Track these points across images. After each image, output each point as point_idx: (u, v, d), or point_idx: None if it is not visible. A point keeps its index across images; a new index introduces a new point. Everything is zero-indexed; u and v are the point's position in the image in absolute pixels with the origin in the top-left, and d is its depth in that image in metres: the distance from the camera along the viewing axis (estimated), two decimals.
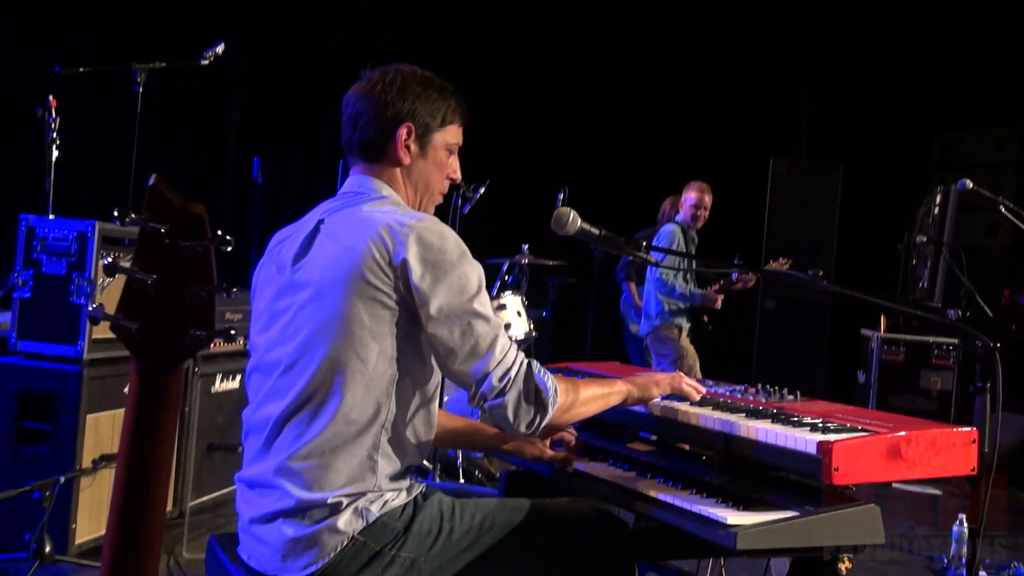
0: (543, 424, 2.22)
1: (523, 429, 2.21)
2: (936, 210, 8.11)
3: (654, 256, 6.96)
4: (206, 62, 5.54)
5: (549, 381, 2.23)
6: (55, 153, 4.66)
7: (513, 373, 2.18)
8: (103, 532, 4.19)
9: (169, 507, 4.69)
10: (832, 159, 9.37)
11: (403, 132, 2.34)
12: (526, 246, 6.88)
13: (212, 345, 4.92)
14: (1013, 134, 9.04)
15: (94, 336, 4.13)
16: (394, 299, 2.16)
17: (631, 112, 9.82)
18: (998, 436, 2.16)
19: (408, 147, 2.35)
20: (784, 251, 8.74)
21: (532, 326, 6.58)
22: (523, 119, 9.64)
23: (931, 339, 8.18)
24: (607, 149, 9.75)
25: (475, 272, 2.22)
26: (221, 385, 4.98)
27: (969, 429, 2.19)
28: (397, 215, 2.22)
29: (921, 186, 8.98)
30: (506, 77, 9.63)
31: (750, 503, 2.12)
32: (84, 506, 4.10)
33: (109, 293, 4.16)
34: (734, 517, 2.03)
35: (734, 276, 7.32)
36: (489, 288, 6.86)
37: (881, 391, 8.09)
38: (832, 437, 2.10)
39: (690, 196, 7.09)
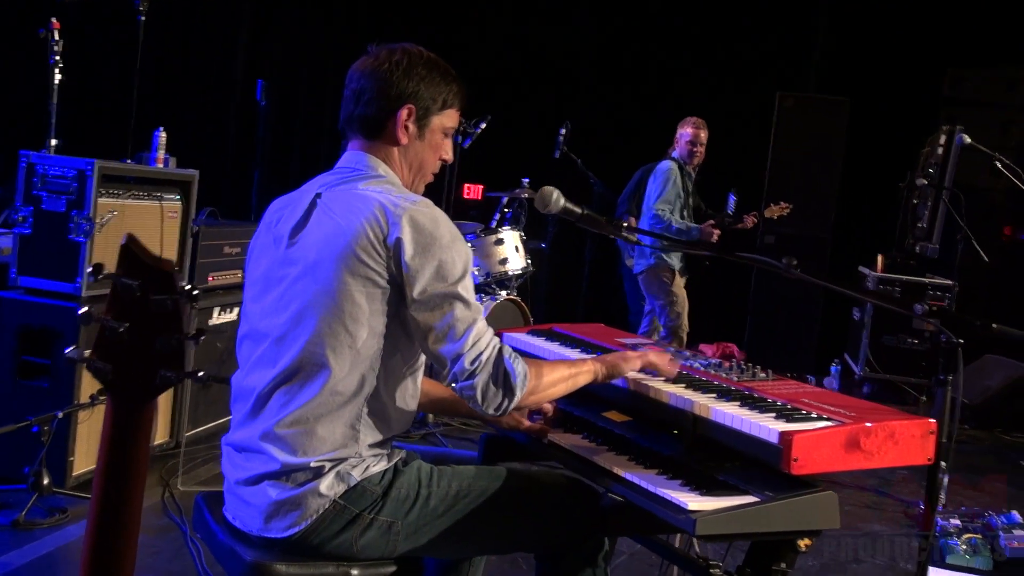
0: (510, 407, 2.31)
1: (491, 411, 2.30)
2: (940, 151, 8.11)
3: (649, 223, 7.00)
4: None
5: (519, 367, 2.31)
6: (58, 76, 4.68)
7: (484, 357, 2.26)
8: None
9: (166, 438, 4.82)
10: (840, 94, 9.31)
11: (404, 113, 2.40)
12: (526, 180, 6.91)
13: (210, 278, 5.02)
14: None
15: None
16: (385, 278, 2.24)
17: (636, 45, 9.72)
18: (956, 428, 2.24)
19: (407, 127, 2.41)
20: (786, 186, 8.79)
21: (529, 260, 6.66)
22: (525, 53, 9.57)
23: (927, 280, 8.24)
24: (611, 82, 9.67)
25: (463, 257, 2.29)
26: (218, 318, 5.07)
27: (928, 420, 2.26)
28: (392, 195, 2.29)
29: (929, 123, 8.95)
30: (509, 10, 9.55)
31: (713, 486, 2.20)
32: (82, 439, 4.22)
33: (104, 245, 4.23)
34: (695, 502, 2.11)
35: (730, 210, 7.37)
36: (488, 222, 6.94)
37: (874, 330, 8.17)
38: (794, 427, 2.17)
39: (685, 132, 7.11)
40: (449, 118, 2.48)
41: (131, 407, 1.32)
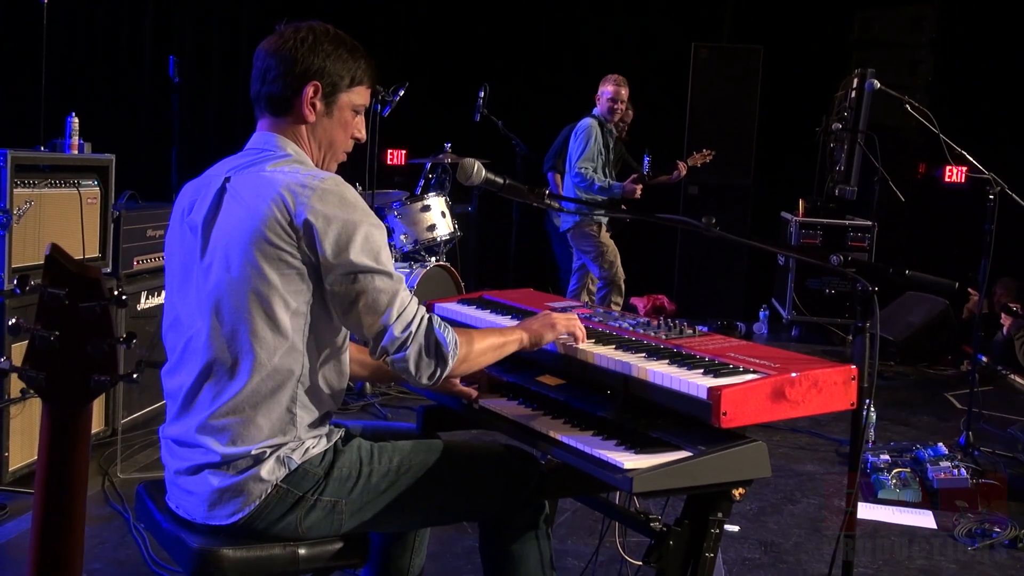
0: (443, 376, 2.34)
1: (424, 381, 2.33)
2: (852, 94, 8.25)
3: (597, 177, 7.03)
4: None
5: (449, 335, 2.34)
6: None
7: (414, 328, 2.28)
8: (35, 458, 4.27)
9: (102, 426, 4.78)
10: (753, 42, 9.41)
11: (310, 90, 2.37)
12: (448, 145, 6.91)
13: (135, 263, 4.96)
14: (929, 11, 9.13)
15: (14, 265, 4.14)
16: (299, 259, 2.23)
17: (550, 3, 9.72)
18: (876, 374, 2.32)
19: (314, 105, 2.38)
20: (707, 136, 8.89)
21: (456, 225, 6.68)
22: (441, 16, 9.51)
23: (847, 222, 8.41)
24: (527, 42, 9.66)
25: (375, 229, 2.29)
26: (146, 302, 5.02)
27: (850, 367, 2.34)
28: (299, 175, 2.27)
29: (841, 67, 9.10)
30: None
31: (647, 444, 2.26)
32: (15, 434, 4.17)
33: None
34: (630, 461, 2.16)
35: (646, 170, 7.44)
36: (413, 188, 6.93)
37: (799, 274, 8.34)
38: (722, 382, 2.23)
39: (606, 90, 7.16)
40: (359, 95, 2.45)
41: (67, 413, 1.33)
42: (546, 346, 2.65)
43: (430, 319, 2.33)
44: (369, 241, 2.25)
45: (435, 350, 2.31)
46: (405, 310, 2.29)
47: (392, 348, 2.28)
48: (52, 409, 1.33)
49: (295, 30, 2.39)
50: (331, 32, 2.42)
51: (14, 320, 1.30)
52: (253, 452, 2.25)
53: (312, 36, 2.38)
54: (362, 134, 2.51)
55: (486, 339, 2.49)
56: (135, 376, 1.38)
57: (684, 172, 7.55)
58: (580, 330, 2.64)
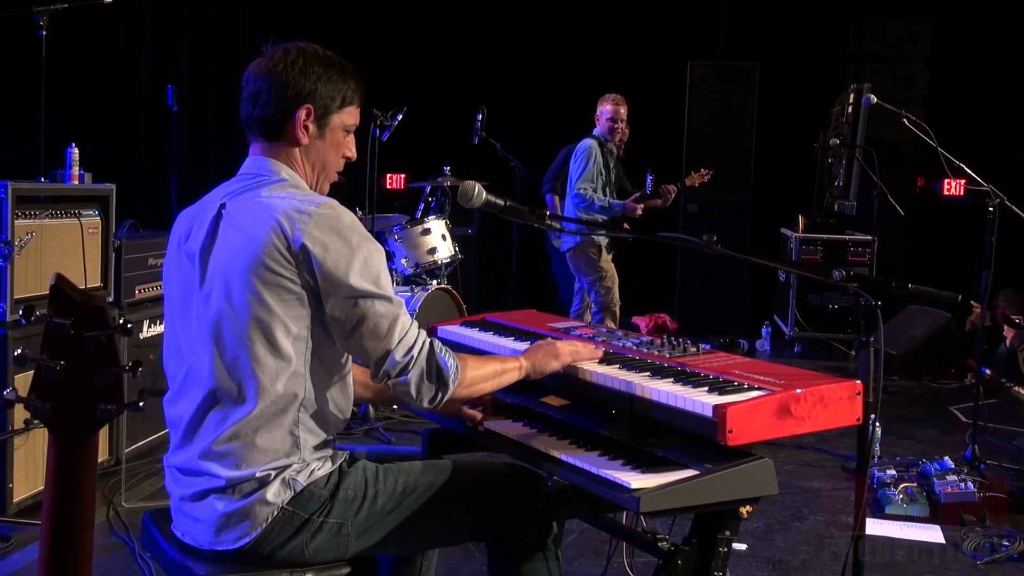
0: (444, 400, 2.35)
1: (426, 405, 2.34)
2: (849, 109, 8.27)
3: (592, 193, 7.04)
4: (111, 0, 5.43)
5: (450, 360, 2.35)
6: None
7: (415, 352, 2.29)
8: (40, 488, 4.26)
9: (105, 456, 4.77)
10: (749, 59, 9.45)
11: (302, 113, 2.37)
12: (448, 168, 6.93)
13: (137, 291, 4.96)
14: (924, 23, 9.16)
15: (16, 297, 4.14)
16: (299, 284, 2.23)
17: (546, 23, 9.75)
18: (881, 388, 2.31)
19: (307, 128, 2.39)
20: (705, 154, 8.90)
21: (457, 248, 6.69)
22: (437, 39, 9.54)
23: (847, 237, 8.42)
24: (524, 64, 9.69)
25: (374, 253, 2.29)
26: (149, 330, 5.02)
27: (855, 382, 2.33)
28: (296, 201, 2.27)
29: (837, 81, 9.12)
30: None
31: (653, 463, 2.26)
32: (19, 465, 4.16)
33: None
34: (637, 481, 2.16)
35: (648, 190, 7.44)
36: (413, 212, 6.94)
37: (800, 290, 8.34)
38: (727, 399, 2.23)
39: (605, 109, 7.17)
40: (349, 115, 2.46)
41: (74, 443, 1.33)
42: None
43: (431, 344, 2.34)
44: (368, 265, 2.26)
45: (436, 374, 2.32)
46: (407, 334, 2.30)
47: (394, 372, 2.29)
48: (59, 439, 1.33)
49: (284, 52, 2.40)
50: (320, 53, 2.43)
51: (20, 350, 1.31)
52: (258, 475, 2.25)
53: (302, 58, 2.39)
54: (352, 153, 2.52)
55: (487, 366, 2.51)
56: (141, 404, 1.39)
57: (673, 194, 7.50)
58: (586, 355, 2.64)
